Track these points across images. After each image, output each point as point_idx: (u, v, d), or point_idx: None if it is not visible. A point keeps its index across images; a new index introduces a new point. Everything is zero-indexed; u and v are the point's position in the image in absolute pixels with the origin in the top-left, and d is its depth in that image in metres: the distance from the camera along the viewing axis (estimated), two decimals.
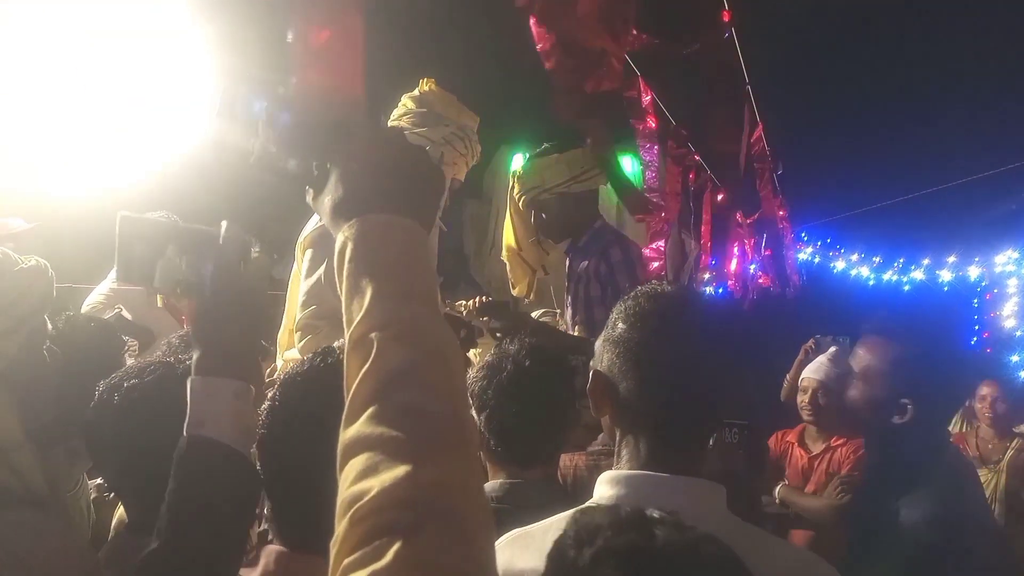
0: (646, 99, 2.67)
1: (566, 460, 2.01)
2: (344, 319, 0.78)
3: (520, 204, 2.91)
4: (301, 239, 2.23)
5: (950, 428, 3.98)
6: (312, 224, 2.23)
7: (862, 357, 1.85)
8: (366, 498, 0.65)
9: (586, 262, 2.75)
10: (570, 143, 2.78)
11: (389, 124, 2.32)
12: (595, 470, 1.84)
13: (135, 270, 1.18)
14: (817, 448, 3.73)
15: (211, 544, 1.03)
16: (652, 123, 2.67)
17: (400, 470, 0.66)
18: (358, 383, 0.74)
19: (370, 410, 0.72)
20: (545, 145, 2.83)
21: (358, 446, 0.70)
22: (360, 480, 0.67)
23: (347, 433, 0.72)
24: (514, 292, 3.27)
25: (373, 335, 0.75)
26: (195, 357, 1.12)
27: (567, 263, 2.90)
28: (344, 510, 0.67)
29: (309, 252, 2.17)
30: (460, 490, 0.68)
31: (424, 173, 0.88)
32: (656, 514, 0.81)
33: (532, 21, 1.94)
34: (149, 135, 2.47)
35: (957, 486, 1.73)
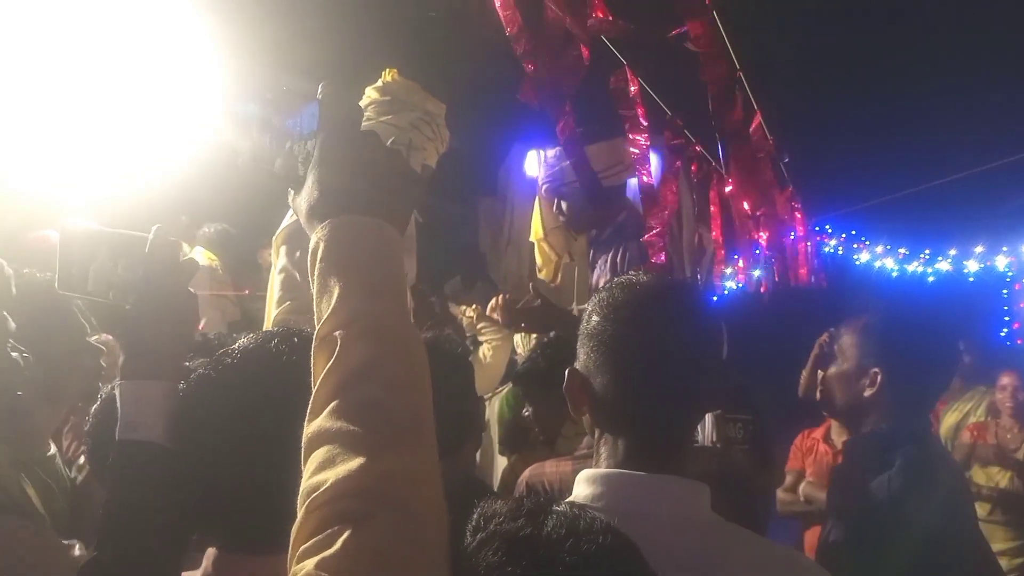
0: (633, 89, 2.62)
1: (552, 467, 1.97)
2: (315, 317, 0.81)
3: (542, 191, 2.89)
4: (276, 236, 2.23)
5: (973, 419, 3.90)
6: (286, 220, 2.23)
7: (841, 335, 1.84)
8: (321, 489, 0.68)
9: (607, 255, 2.73)
10: (597, 135, 2.75)
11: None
12: None
13: (73, 277, 1.19)
14: (842, 443, 3.67)
15: (150, 547, 1.02)
16: (640, 114, 2.62)
17: (355, 462, 0.69)
18: (322, 379, 0.76)
19: (332, 405, 0.74)
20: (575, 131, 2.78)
21: (319, 439, 0.73)
22: (318, 472, 0.70)
23: (310, 427, 0.74)
24: (539, 275, 3.26)
25: (338, 333, 0.77)
26: (122, 361, 1.11)
27: (590, 255, 2.88)
28: (302, 500, 0.70)
29: (283, 248, 2.16)
30: (412, 482, 0.71)
31: (398, 175, 0.90)
32: (561, 506, 0.81)
33: (499, 4, 1.91)
34: (163, 140, 2.49)
35: (925, 475, 1.65)
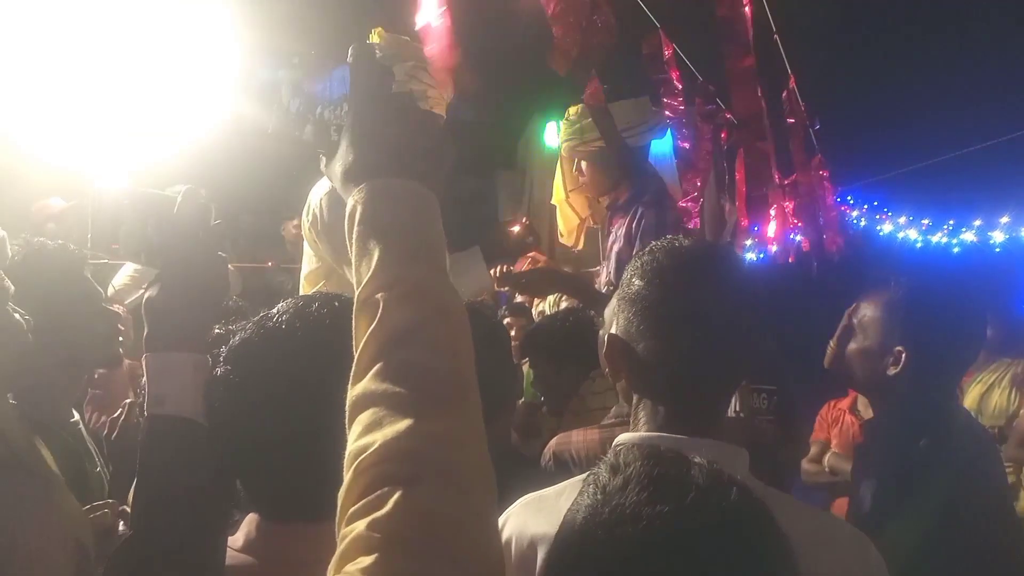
0: (667, 53, 2.58)
1: (578, 436, 1.97)
2: (354, 280, 0.81)
3: (563, 151, 2.85)
4: (306, 211, 2.21)
5: (998, 390, 3.85)
6: (316, 193, 2.20)
7: (862, 309, 1.79)
8: (369, 451, 0.69)
9: (622, 221, 2.69)
10: (620, 93, 2.71)
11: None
12: (610, 443, 1.80)
13: (104, 237, 1.16)
14: (869, 414, 3.63)
15: (186, 524, 0.99)
16: (675, 78, 2.58)
17: (402, 424, 0.69)
18: (365, 341, 0.76)
19: (376, 367, 0.74)
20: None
21: (364, 402, 0.73)
22: (365, 434, 0.71)
23: (355, 390, 0.75)
24: (561, 240, 3.21)
25: (379, 295, 0.77)
26: (146, 334, 1.05)
27: (608, 221, 2.83)
28: (350, 462, 0.70)
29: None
30: (459, 444, 0.71)
31: (432, 137, 0.89)
32: (696, 458, 0.82)
33: None
34: (179, 111, 2.48)
35: (957, 449, 1.62)
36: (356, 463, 0.69)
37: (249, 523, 1.06)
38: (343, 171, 0.87)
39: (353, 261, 0.81)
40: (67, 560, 1.25)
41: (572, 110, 2.77)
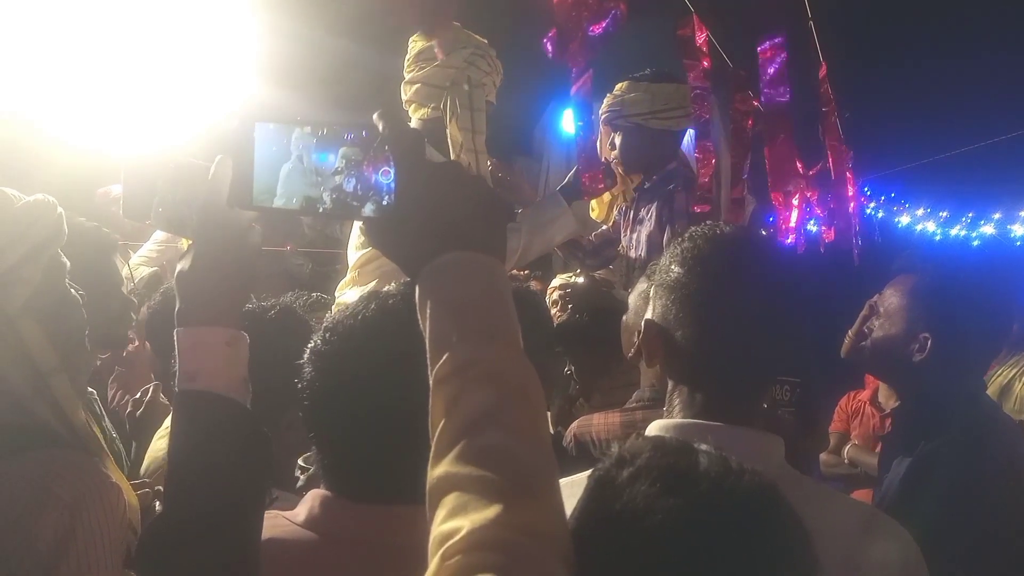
0: (700, 37, 2.56)
1: (599, 420, 1.97)
2: (428, 358, 0.81)
3: (602, 119, 2.84)
4: None
5: (1018, 385, 3.82)
6: None
7: (886, 296, 1.78)
8: (456, 537, 0.68)
9: (651, 205, 2.69)
10: (665, 76, 2.71)
11: (405, 71, 2.29)
12: (630, 427, 1.79)
13: (136, 206, 1.11)
14: (890, 406, 3.62)
15: (222, 504, 0.96)
16: (706, 64, 2.56)
17: (490, 511, 0.69)
18: (444, 422, 0.76)
19: (457, 448, 0.74)
20: (646, 71, 2.76)
21: (446, 484, 0.73)
22: (450, 519, 0.70)
23: (435, 471, 0.75)
24: (592, 215, 3.19)
25: (457, 376, 0.78)
26: (178, 307, 1.03)
27: (634, 203, 2.82)
28: (436, 546, 0.69)
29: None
30: (548, 535, 0.71)
31: (485, 202, 0.88)
32: (703, 447, 0.82)
33: None
34: (199, 91, 2.49)
35: (983, 436, 1.63)
36: (443, 549, 0.68)
37: (313, 498, 1.06)
38: (406, 250, 0.86)
39: (428, 339, 0.81)
40: (122, 538, 1.27)
41: (619, 85, 2.76)
